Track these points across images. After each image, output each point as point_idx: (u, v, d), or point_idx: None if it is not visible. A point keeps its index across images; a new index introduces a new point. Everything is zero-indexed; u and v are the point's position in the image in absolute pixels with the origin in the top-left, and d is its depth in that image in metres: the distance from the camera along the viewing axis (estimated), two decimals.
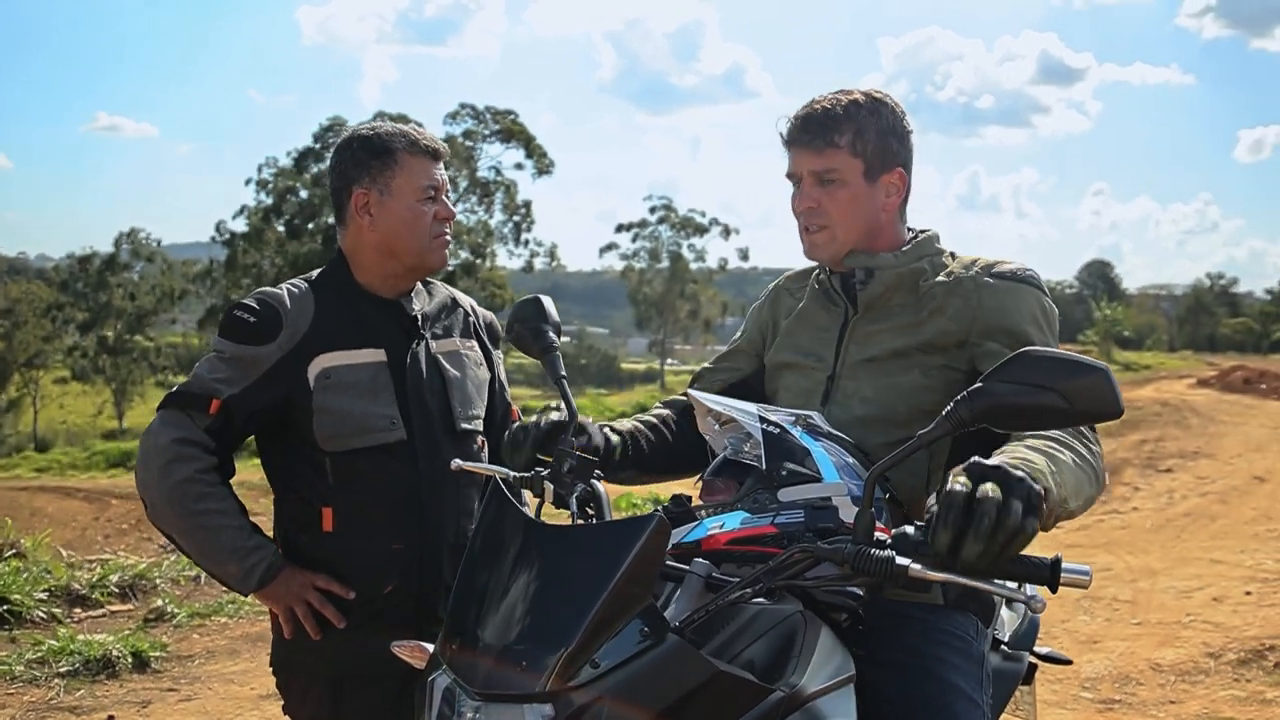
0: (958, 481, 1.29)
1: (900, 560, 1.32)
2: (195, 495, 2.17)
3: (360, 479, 2.23)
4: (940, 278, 2.00)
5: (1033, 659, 2.33)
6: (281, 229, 37.46)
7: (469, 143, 38.41)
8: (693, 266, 53.26)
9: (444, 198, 2.33)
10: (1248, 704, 4.48)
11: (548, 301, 2.10)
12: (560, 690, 1.29)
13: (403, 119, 27.66)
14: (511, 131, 39.48)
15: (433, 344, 2.37)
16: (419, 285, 2.42)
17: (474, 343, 2.48)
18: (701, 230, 53.03)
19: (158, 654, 5.09)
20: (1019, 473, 1.30)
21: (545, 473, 1.84)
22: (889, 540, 1.36)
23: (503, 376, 2.59)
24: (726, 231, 52.86)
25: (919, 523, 1.37)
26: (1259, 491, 10.77)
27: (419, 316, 2.37)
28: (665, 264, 52.95)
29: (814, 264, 2.17)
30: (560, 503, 1.81)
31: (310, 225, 37.16)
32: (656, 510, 1.37)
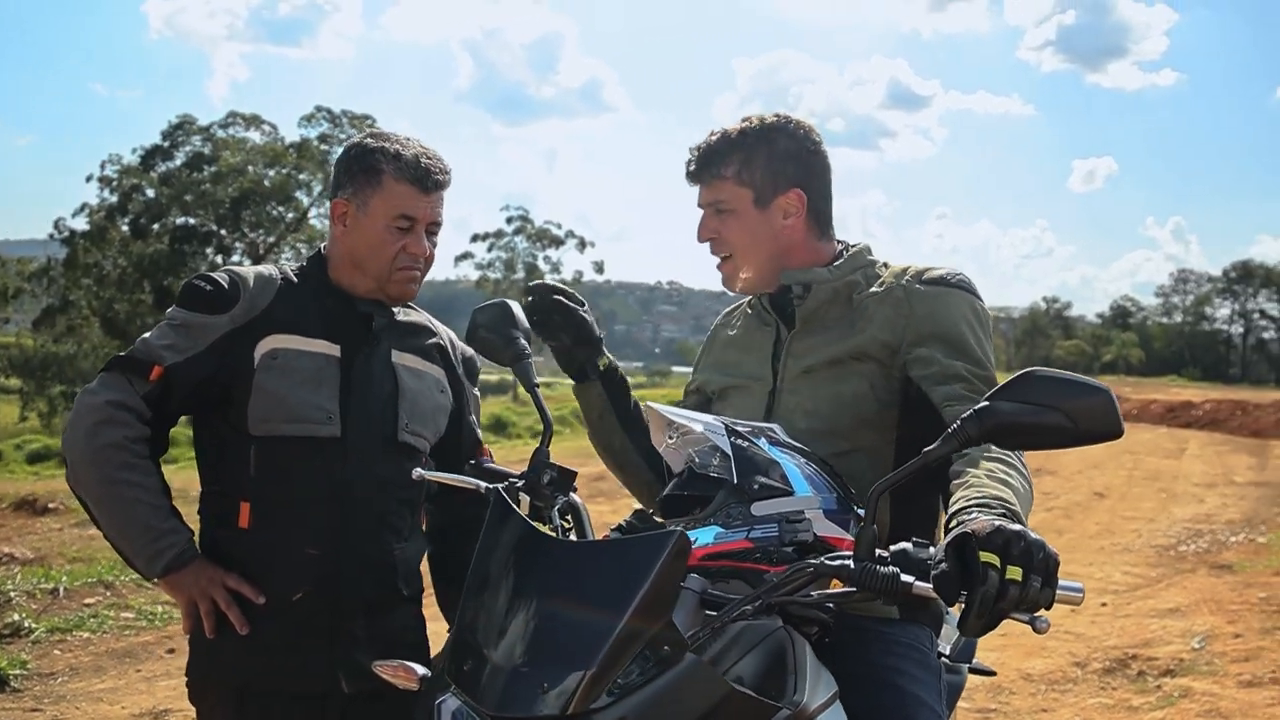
0: (990, 566, 1.28)
1: (905, 577, 1.34)
2: (119, 463, 2.07)
3: (283, 472, 2.14)
4: (874, 289, 2.04)
5: None
6: (126, 228, 35.94)
7: (324, 146, 37.51)
8: (548, 278, 53.19)
9: (422, 231, 2.22)
10: (1116, 711, 4.70)
11: (516, 307, 2.06)
12: (583, 712, 1.26)
13: (255, 119, 26.61)
14: None
15: (394, 353, 2.29)
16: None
17: (442, 370, 2.38)
18: (558, 242, 52.93)
19: (17, 672, 4.82)
20: (1034, 537, 1.31)
21: (520, 484, 1.80)
22: (889, 557, 1.38)
23: (475, 415, 2.49)
24: (582, 244, 52.86)
25: (917, 540, 1.40)
26: (1100, 507, 11.35)
27: (386, 325, 2.28)
28: (520, 275, 52.74)
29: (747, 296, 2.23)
30: (537, 515, 1.77)
31: (156, 225, 35.78)
32: (675, 528, 1.35)
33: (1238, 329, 73.43)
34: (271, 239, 37.31)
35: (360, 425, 2.20)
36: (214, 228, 36.36)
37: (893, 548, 1.39)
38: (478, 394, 2.51)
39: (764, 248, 2.07)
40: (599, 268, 54.38)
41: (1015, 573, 1.27)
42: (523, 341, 2.03)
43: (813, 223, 2.10)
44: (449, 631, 1.51)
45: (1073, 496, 12.06)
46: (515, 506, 1.53)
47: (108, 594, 5.94)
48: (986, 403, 1.37)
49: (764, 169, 2.04)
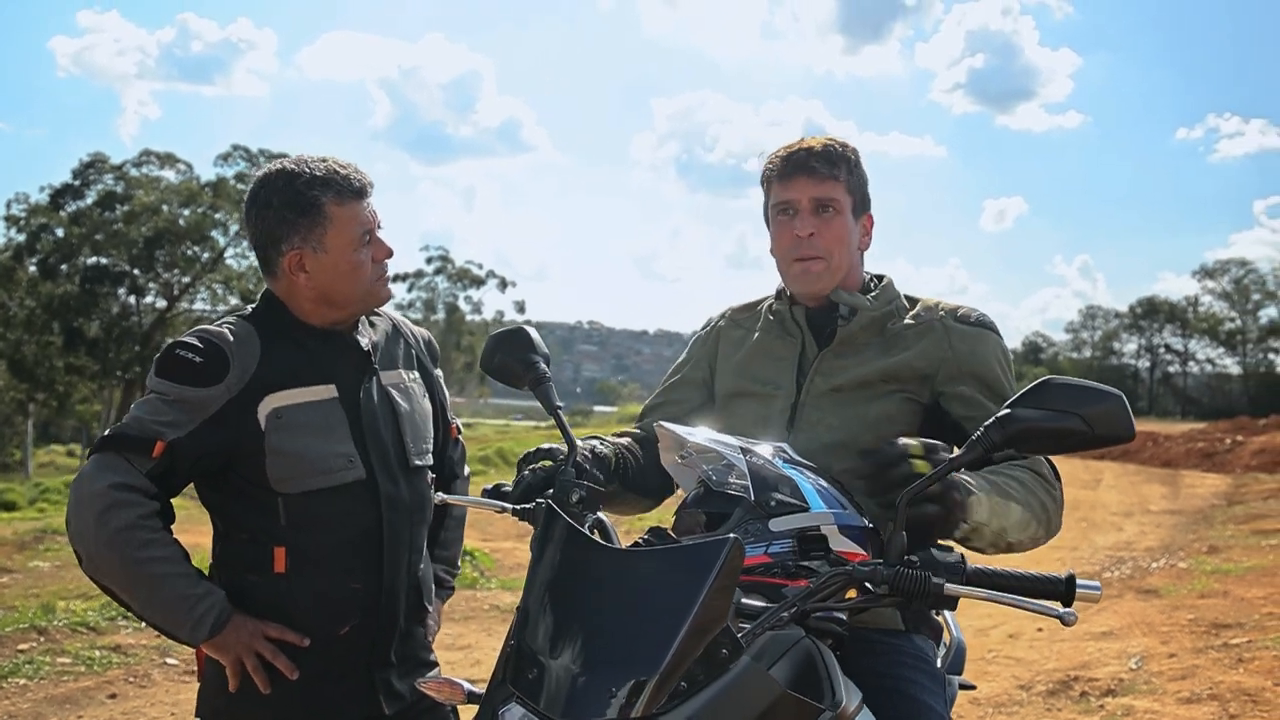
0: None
1: (935, 579, 1.39)
2: (138, 543, 2.01)
3: (316, 519, 2.13)
4: (908, 320, 2.13)
5: None
6: (34, 268, 35.06)
7: (241, 186, 37.01)
8: (469, 318, 52.85)
9: (378, 234, 2.21)
10: None
11: (534, 332, 2.08)
12: (648, 716, 1.28)
13: (169, 158, 26.08)
14: None
15: (382, 375, 2.28)
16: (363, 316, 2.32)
17: (416, 373, 2.39)
18: (478, 282, 52.80)
19: None
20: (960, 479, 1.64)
21: (545, 505, 1.82)
22: (918, 561, 1.43)
23: (445, 396, 2.50)
24: (503, 284, 52.85)
25: (943, 545, 1.46)
26: None
27: (370, 349, 2.27)
28: (441, 315, 52.38)
29: (757, 299, 2.30)
30: None
31: (66, 266, 34.97)
32: (730, 535, 1.38)
33: (1144, 363, 75.62)
34: (187, 279, 36.67)
35: (380, 460, 2.20)
36: (127, 268, 35.64)
37: (920, 553, 1.44)
38: (439, 373, 2.51)
39: (848, 257, 2.14)
40: (520, 307, 54.31)
41: (923, 466, 1.57)
42: (542, 365, 2.05)
43: (867, 248, 2.20)
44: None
45: None
46: (565, 517, 1.55)
47: (41, 639, 5.75)
48: (1008, 410, 1.43)
49: (860, 185, 2.14)
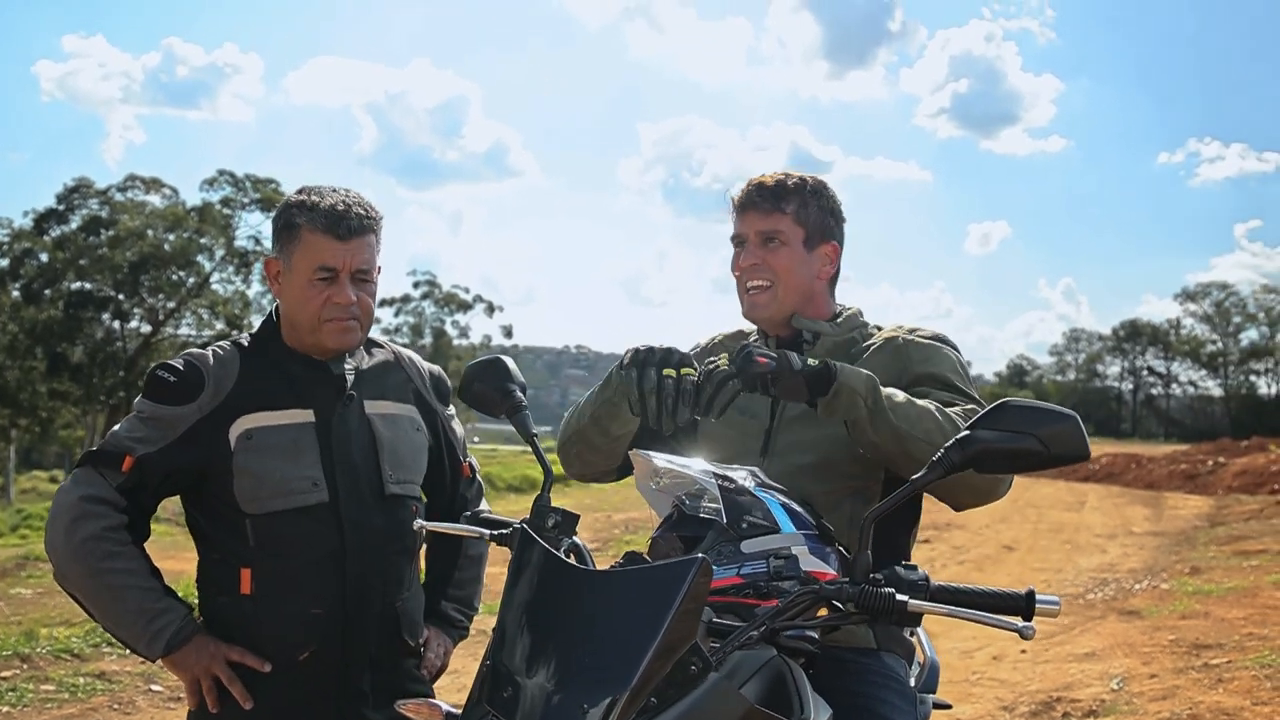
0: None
1: (899, 596, 1.44)
2: (101, 553, 2.08)
3: (281, 541, 2.17)
4: (872, 344, 2.21)
5: None
6: (17, 293, 34.95)
7: (227, 210, 37.03)
8: (456, 343, 52.68)
9: (346, 280, 2.18)
10: None
11: (510, 362, 2.14)
12: None
13: (155, 183, 25.93)
14: (272, 200, 38.20)
15: (366, 404, 2.30)
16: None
17: (413, 406, 2.40)
18: (465, 307, 52.61)
19: None
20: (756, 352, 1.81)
21: (520, 529, 1.86)
22: (882, 579, 1.48)
23: (458, 432, 2.51)
24: (490, 308, 52.69)
25: (906, 563, 1.50)
26: (1010, 559, 11.63)
27: (349, 376, 2.30)
28: (429, 339, 52.27)
29: (744, 330, 2.35)
30: None
31: (50, 291, 34.87)
32: (698, 555, 1.42)
33: (1128, 385, 76.13)
34: (172, 304, 36.56)
35: (348, 486, 2.22)
36: (111, 293, 35.52)
37: (884, 571, 1.49)
38: (452, 410, 2.52)
39: (801, 286, 2.22)
40: (507, 332, 54.20)
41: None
42: (518, 394, 2.11)
43: (832, 278, 2.27)
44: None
45: (983, 550, 12.33)
46: (540, 540, 1.59)
47: (25, 666, 5.73)
48: (968, 432, 1.48)
49: (816, 216, 2.21)
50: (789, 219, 2.19)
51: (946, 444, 1.51)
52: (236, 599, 2.18)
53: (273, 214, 2.29)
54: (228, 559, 2.19)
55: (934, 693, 2.38)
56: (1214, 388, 71.62)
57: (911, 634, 2.52)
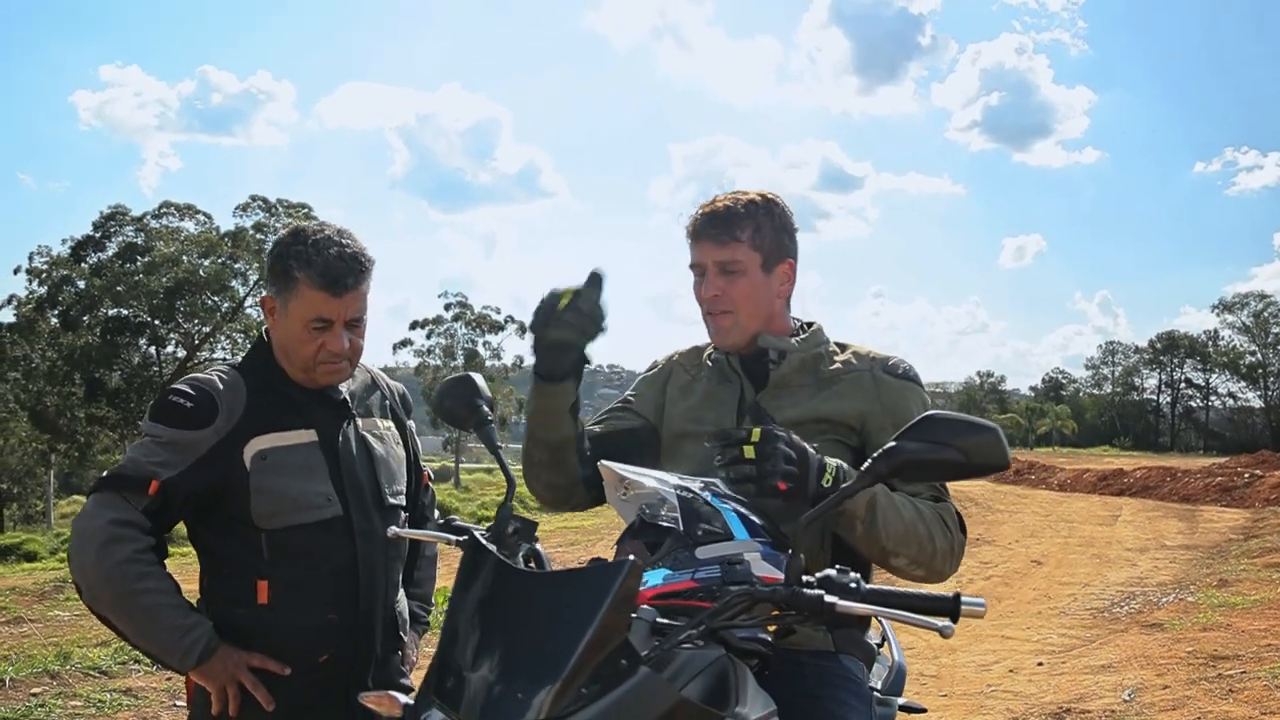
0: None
1: (828, 598, 1.52)
2: (135, 575, 2.18)
3: (296, 553, 2.29)
4: (839, 365, 2.26)
5: None
6: (56, 320, 35.54)
7: (260, 235, 37.51)
8: (488, 364, 52.89)
9: (339, 329, 2.31)
10: None
11: (479, 379, 2.25)
12: (555, 718, 1.40)
13: (189, 209, 26.16)
14: None
15: (359, 422, 2.46)
16: None
17: (391, 422, 2.57)
18: (497, 328, 52.85)
19: None
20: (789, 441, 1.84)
21: (486, 535, 1.95)
22: (815, 582, 1.56)
23: (417, 445, 2.68)
24: (523, 329, 52.56)
25: (840, 567, 1.58)
26: (1037, 574, 11.57)
27: (348, 397, 2.45)
28: (460, 361, 52.52)
29: (702, 344, 2.41)
30: None
31: (87, 317, 35.44)
32: (629, 559, 1.51)
33: (1165, 398, 75.26)
34: (207, 329, 37.03)
35: (356, 499, 2.37)
36: (148, 318, 36.06)
37: (818, 574, 1.57)
38: (413, 424, 2.68)
39: (762, 309, 2.25)
40: None
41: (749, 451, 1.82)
42: (485, 409, 2.23)
43: (790, 294, 2.31)
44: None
45: (1011, 565, 12.28)
46: (488, 546, 1.69)
47: (54, 683, 5.87)
48: (894, 443, 1.57)
49: (771, 238, 2.23)
50: (745, 246, 2.20)
51: (874, 455, 1.59)
52: (254, 609, 2.29)
53: (273, 247, 2.36)
54: (242, 572, 2.30)
55: (900, 695, 2.44)
56: (1254, 399, 70.74)
57: (882, 639, 2.59)
